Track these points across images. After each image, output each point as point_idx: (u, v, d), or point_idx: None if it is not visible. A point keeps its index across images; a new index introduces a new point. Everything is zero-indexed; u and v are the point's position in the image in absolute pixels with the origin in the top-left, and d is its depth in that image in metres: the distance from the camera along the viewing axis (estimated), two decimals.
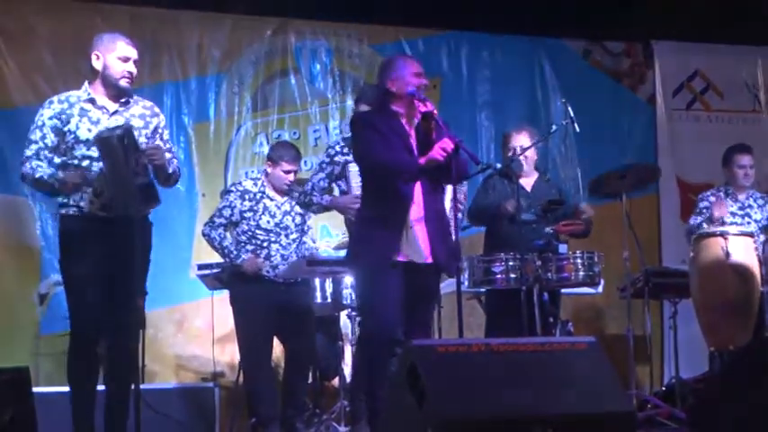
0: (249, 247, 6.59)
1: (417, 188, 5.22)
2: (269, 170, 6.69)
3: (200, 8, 8.30)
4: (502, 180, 6.79)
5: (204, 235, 6.71)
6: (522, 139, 6.76)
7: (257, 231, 6.62)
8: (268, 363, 6.62)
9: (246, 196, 6.64)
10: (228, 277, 6.80)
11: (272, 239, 6.63)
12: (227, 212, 6.65)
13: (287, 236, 6.68)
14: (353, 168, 5.87)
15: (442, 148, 5.02)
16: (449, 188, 5.59)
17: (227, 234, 6.66)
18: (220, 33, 8.31)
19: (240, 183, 6.84)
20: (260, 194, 6.66)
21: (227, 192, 6.85)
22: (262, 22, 8.46)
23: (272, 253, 6.61)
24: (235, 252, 6.57)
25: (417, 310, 5.28)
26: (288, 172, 6.65)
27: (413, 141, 5.26)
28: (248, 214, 6.62)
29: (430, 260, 5.23)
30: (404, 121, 5.28)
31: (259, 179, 6.77)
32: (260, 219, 6.62)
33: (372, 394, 5.20)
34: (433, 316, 6.01)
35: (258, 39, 8.43)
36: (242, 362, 6.73)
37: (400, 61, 5.40)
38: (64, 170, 5.01)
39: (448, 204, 5.63)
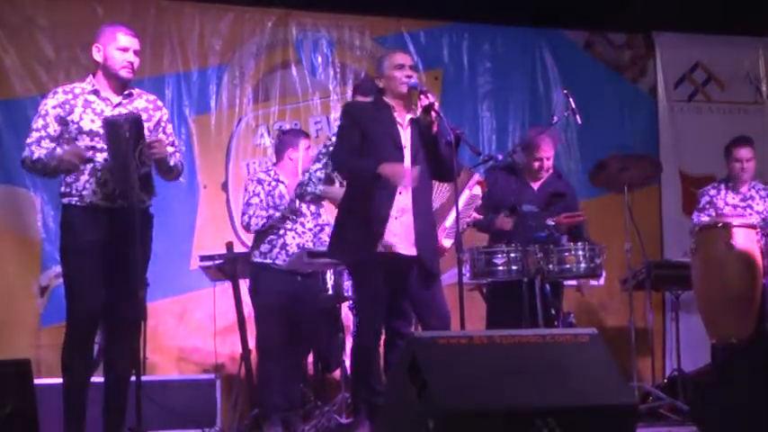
0: (266, 238, 6.63)
1: None
2: (293, 156, 6.75)
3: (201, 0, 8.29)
4: (507, 176, 6.73)
5: (245, 225, 6.73)
6: (545, 148, 6.74)
7: None
8: (282, 353, 6.63)
9: (264, 183, 6.72)
10: (248, 269, 6.82)
11: (288, 227, 6.64)
12: (255, 201, 6.66)
13: (302, 224, 6.70)
14: None
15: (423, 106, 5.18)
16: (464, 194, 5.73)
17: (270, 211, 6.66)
18: (222, 25, 8.29)
19: (253, 175, 6.99)
20: (274, 182, 6.73)
21: (244, 188, 6.86)
22: (263, 13, 8.44)
23: (288, 241, 6.64)
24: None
25: (398, 301, 5.28)
26: (309, 147, 6.80)
27: (401, 133, 5.29)
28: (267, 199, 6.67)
29: (415, 252, 5.23)
30: (396, 113, 5.31)
31: (270, 169, 6.86)
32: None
33: (370, 389, 5.20)
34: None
35: (259, 30, 8.41)
36: (257, 350, 6.78)
37: (385, 60, 5.42)
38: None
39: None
